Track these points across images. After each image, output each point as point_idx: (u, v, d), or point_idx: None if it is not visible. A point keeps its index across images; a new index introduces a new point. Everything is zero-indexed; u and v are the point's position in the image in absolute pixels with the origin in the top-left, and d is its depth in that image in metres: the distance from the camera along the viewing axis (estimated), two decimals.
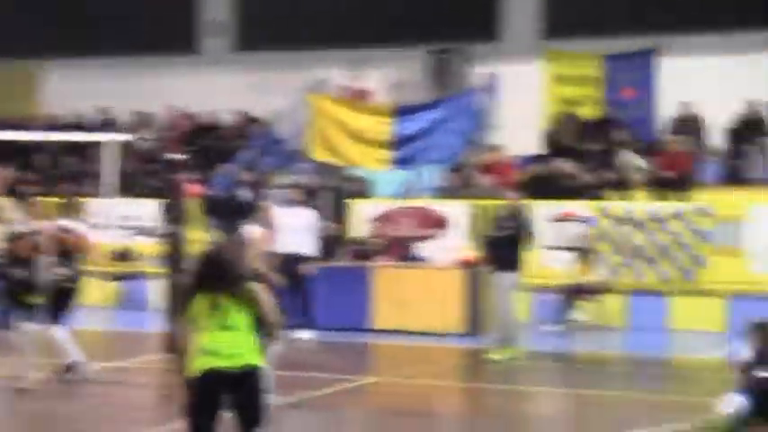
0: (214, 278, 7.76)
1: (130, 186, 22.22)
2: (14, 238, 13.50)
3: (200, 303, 7.75)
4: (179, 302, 7.85)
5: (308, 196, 19.87)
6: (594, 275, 17.88)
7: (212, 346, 7.67)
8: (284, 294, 16.70)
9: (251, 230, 13.06)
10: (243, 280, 7.80)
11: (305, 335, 17.19)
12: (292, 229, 17.24)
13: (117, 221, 21.16)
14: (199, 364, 7.67)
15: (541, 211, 18.85)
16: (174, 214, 16.28)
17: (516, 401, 13.67)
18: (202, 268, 7.81)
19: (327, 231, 19.25)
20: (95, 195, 21.99)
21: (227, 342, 7.69)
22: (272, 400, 9.37)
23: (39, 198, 14.09)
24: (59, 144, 24.76)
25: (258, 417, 7.80)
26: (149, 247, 20.21)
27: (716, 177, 20.97)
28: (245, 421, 7.77)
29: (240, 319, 7.75)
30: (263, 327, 7.91)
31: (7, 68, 26.91)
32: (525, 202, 16.89)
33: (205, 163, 23.46)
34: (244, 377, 7.69)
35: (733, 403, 11.24)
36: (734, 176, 20.58)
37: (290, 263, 16.69)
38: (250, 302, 7.77)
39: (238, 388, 7.69)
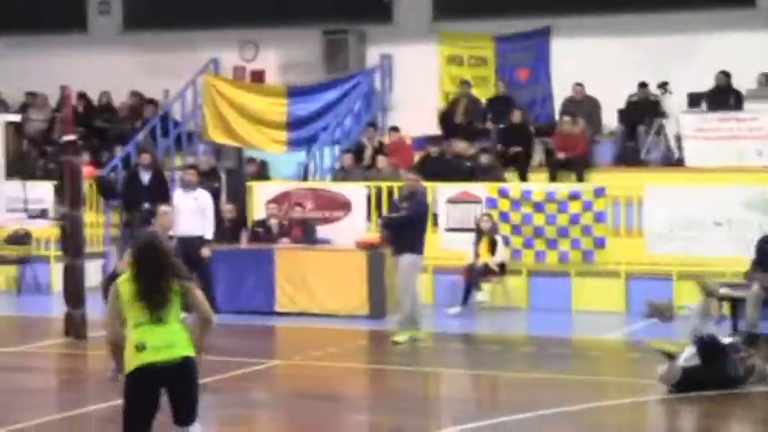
0: (150, 270, 7.65)
1: (22, 168, 21.75)
2: None
3: (132, 297, 7.64)
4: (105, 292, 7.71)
5: (206, 178, 19.71)
6: (495, 256, 17.98)
7: (146, 340, 7.58)
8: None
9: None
10: (177, 270, 7.73)
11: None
12: (189, 212, 17.07)
13: (9, 204, 20.72)
14: (134, 360, 7.57)
15: (440, 193, 18.90)
16: (69, 197, 16.02)
17: (422, 383, 13.75)
18: (139, 260, 7.68)
19: (227, 214, 19.10)
20: None
21: (160, 335, 7.62)
22: None
23: None
24: None
25: (194, 409, 7.78)
26: (44, 230, 19.83)
27: (610, 159, 21.22)
28: (182, 413, 7.73)
29: (171, 310, 7.68)
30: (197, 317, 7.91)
31: None
32: (425, 183, 16.90)
33: (99, 144, 23.09)
34: (179, 369, 7.65)
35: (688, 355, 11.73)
36: (628, 158, 20.83)
37: (187, 246, 16.54)
38: (183, 293, 7.71)
39: (175, 380, 7.65)
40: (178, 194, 17.56)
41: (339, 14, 23.58)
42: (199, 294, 7.82)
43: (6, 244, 20.62)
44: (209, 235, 17.20)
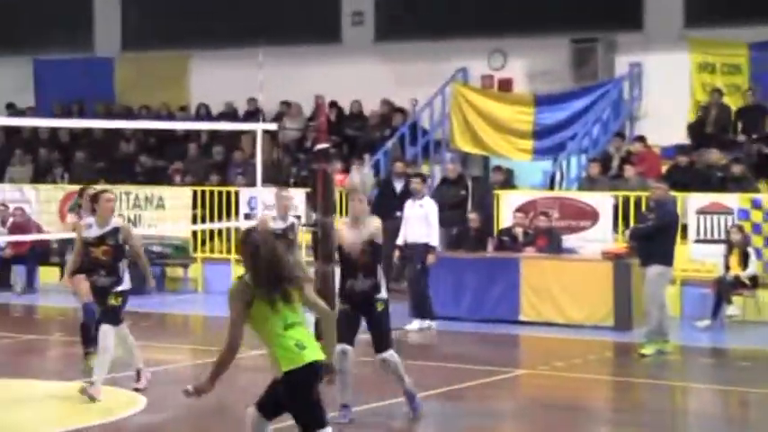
0: (281, 275, 7.75)
1: (276, 175, 22.43)
2: None
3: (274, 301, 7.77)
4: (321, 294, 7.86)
5: (453, 186, 19.96)
6: (747, 269, 17.52)
7: (302, 339, 7.71)
8: (412, 284, 17.06)
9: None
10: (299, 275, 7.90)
11: (422, 324, 17.23)
12: (416, 219, 17.39)
13: (264, 210, 21.37)
14: (298, 357, 7.67)
15: (690, 203, 18.55)
16: (321, 203, 16.46)
17: (669, 397, 13.52)
18: (269, 268, 7.76)
19: (472, 222, 19.24)
20: (244, 185, 22.32)
21: (307, 335, 7.80)
22: None
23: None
24: (208, 134, 25.11)
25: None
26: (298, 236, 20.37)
27: None
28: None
29: (301, 314, 7.87)
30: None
31: (159, 58, 27.44)
32: (673, 193, 16.62)
33: (350, 153, 23.61)
34: (324, 369, 7.86)
35: None
36: None
37: (412, 252, 16.94)
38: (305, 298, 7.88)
39: (319, 380, 7.85)
40: (408, 203, 17.86)
41: (588, 23, 23.40)
42: (315, 295, 7.97)
43: None
44: (433, 242, 17.42)
